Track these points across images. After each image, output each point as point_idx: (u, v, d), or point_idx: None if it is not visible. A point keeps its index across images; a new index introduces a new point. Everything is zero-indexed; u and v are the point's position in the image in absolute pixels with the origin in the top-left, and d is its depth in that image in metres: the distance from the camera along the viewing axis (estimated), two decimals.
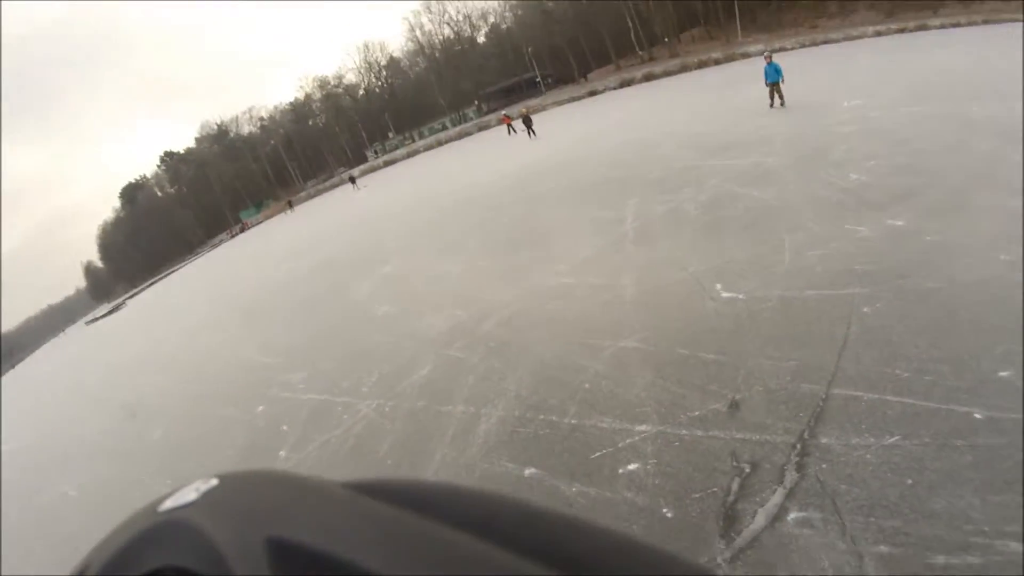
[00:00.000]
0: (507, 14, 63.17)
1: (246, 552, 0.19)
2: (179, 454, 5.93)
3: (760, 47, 29.83)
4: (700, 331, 4.29)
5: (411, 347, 5.97)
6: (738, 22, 39.62)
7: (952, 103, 8.72)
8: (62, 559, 4.55)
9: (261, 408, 5.99)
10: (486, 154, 24.77)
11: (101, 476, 6.33)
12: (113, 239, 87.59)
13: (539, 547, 0.21)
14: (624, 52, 50.93)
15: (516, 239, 8.73)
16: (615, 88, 39.00)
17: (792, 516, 2.52)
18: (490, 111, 54.80)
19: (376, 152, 62.66)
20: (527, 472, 3.38)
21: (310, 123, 75.07)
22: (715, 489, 2.80)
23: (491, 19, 65.69)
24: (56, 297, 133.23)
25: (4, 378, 35.98)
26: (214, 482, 0.24)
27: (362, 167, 54.63)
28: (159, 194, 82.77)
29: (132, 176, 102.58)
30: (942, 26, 23.53)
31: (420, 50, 67.27)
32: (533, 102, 43.86)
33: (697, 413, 3.39)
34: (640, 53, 49.20)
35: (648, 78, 37.20)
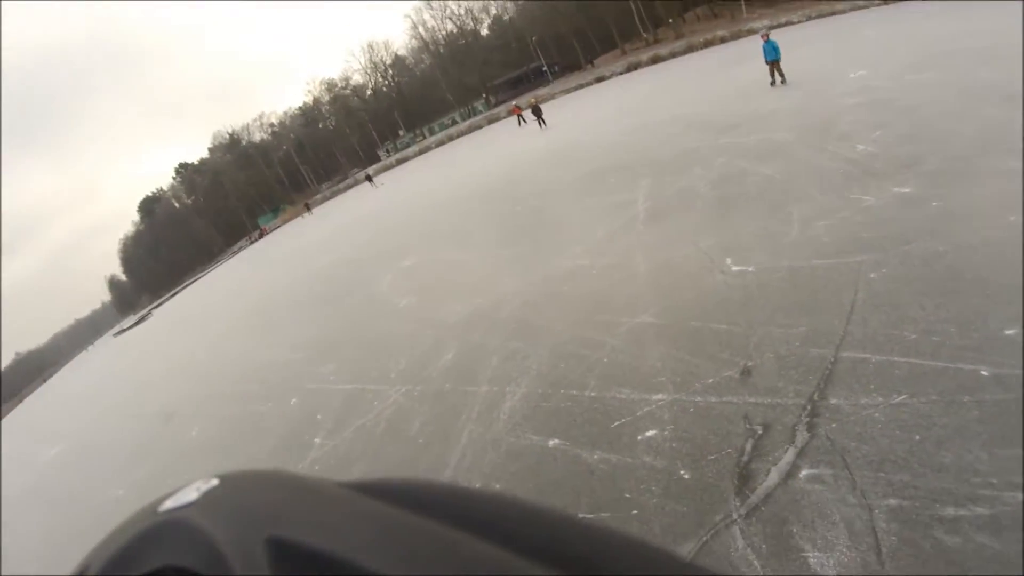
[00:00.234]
0: (509, 5, 62.93)
1: (246, 552, 0.19)
2: (218, 450, 6.18)
3: (766, 23, 29.32)
4: (712, 304, 4.43)
5: (434, 334, 6.17)
6: None
7: (958, 70, 8.62)
8: None
9: (294, 401, 6.24)
10: (497, 146, 24.80)
11: (145, 476, 6.60)
12: (135, 252, 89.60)
13: (539, 546, 0.21)
14: (629, 35, 50.37)
15: (531, 225, 8.87)
16: (622, 73, 38.63)
17: (804, 473, 2.63)
18: (499, 103, 54.76)
19: (388, 151, 62.99)
20: (551, 443, 3.56)
21: (320, 126, 75.69)
22: (729, 450, 2.94)
23: (493, 11, 65.49)
24: (83, 311, 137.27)
25: (39, 391, 36.94)
26: (214, 482, 0.24)
27: (375, 166, 54.87)
28: (176, 205, 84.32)
29: (149, 190, 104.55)
30: None
31: (424, 47, 67.33)
32: (541, 91, 43.64)
33: (711, 381, 3.53)
34: (645, 36, 48.60)
35: (654, 60, 36.71)
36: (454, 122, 59.24)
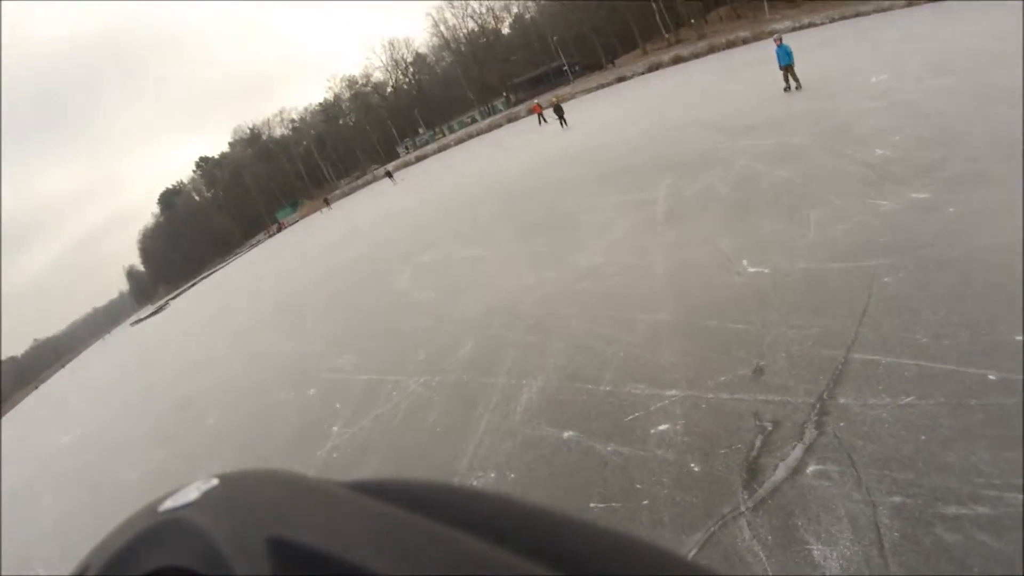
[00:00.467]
0: (530, 4, 62.94)
1: (247, 552, 0.19)
2: (234, 438, 6.35)
3: (788, 24, 29.02)
4: (727, 304, 4.50)
5: (453, 328, 6.31)
6: None
7: (980, 74, 8.52)
8: None
9: (313, 391, 6.40)
10: (518, 144, 24.84)
11: (157, 461, 6.77)
12: (153, 243, 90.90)
13: (540, 546, 0.21)
14: (651, 35, 50.09)
15: (550, 223, 8.96)
16: (643, 73, 38.39)
17: (811, 469, 2.71)
18: (519, 102, 54.72)
19: (407, 148, 63.31)
20: (565, 435, 3.67)
21: (340, 122, 76.19)
22: (739, 445, 3.02)
23: (514, 10, 65.51)
24: (101, 300, 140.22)
25: (56, 377, 37.62)
26: (214, 482, 0.24)
27: (394, 163, 55.20)
28: (196, 198, 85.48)
29: (170, 183, 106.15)
30: None
31: (445, 45, 67.60)
32: (562, 90, 43.53)
33: (723, 378, 3.61)
34: (667, 36, 48.29)
35: (676, 61, 36.38)
36: (474, 120, 59.37)
